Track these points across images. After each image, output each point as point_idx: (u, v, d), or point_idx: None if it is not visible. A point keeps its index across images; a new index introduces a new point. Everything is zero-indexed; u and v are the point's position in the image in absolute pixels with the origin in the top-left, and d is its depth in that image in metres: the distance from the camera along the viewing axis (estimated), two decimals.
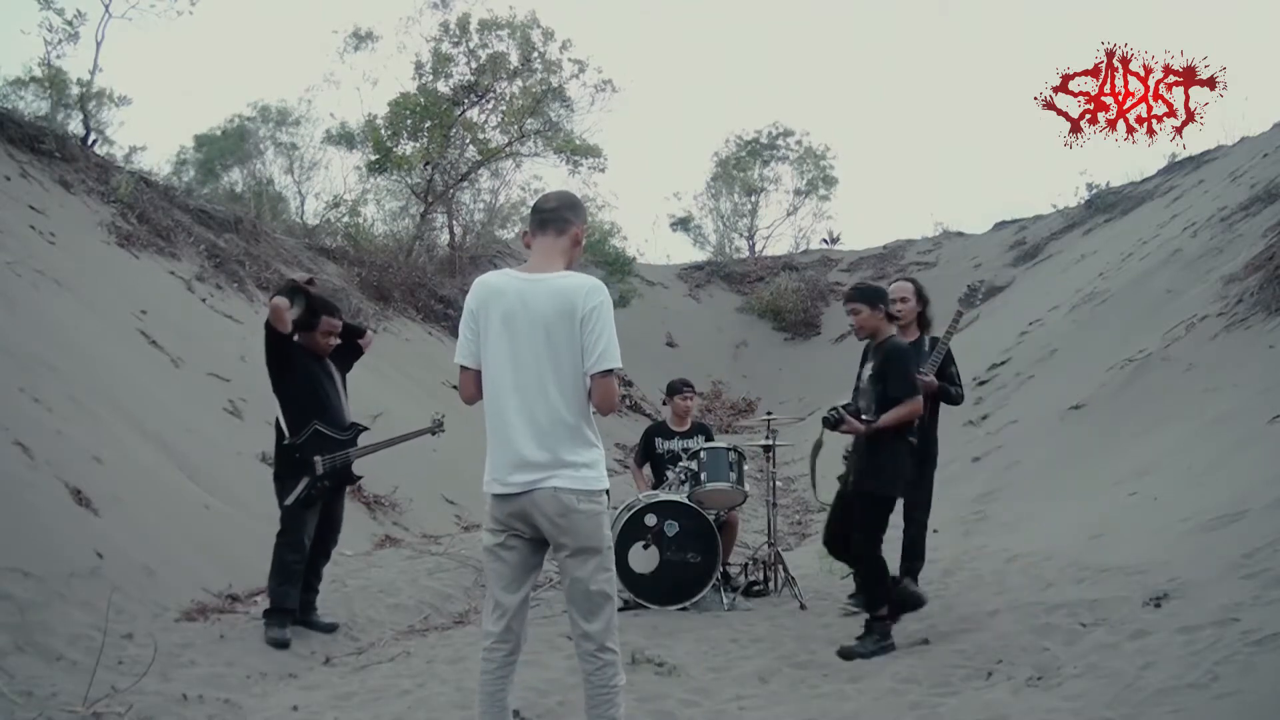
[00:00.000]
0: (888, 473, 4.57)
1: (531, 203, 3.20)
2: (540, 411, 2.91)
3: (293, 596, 4.88)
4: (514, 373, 2.93)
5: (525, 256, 3.11)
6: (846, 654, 4.51)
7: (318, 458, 4.90)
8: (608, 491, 3.03)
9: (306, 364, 5.02)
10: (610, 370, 2.92)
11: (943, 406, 5.25)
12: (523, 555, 3.00)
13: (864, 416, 4.61)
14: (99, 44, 16.14)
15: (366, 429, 5.26)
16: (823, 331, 24.13)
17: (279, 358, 4.94)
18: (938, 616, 4.87)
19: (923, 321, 5.31)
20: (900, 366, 4.59)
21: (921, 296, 5.31)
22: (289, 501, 4.88)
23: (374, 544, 7.58)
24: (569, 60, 20.40)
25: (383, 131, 19.35)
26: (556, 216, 3.05)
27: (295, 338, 4.99)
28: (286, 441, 4.91)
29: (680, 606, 5.58)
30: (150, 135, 61.62)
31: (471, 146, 20.20)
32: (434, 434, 5.65)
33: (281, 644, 4.76)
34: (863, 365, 4.86)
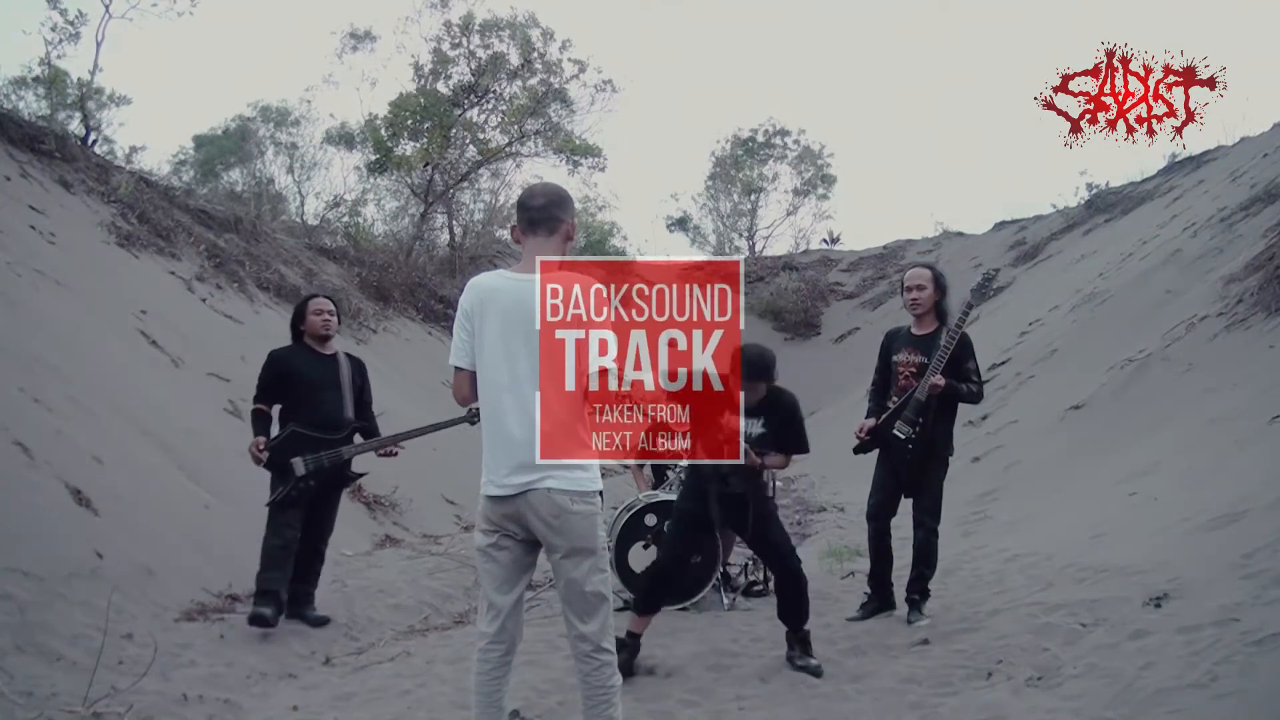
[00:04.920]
0: None
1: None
2: (536, 412, 2.90)
3: (275, 580, 4.92)
4: (510, 373, 2.93)
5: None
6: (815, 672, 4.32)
7: (296, 459, 5.00)
8: (601, 493, 3.03)
9: (302, 366, 5.10)
10: (607, 369, 2.91)
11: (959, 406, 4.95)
12: (515, 556, 3.00)
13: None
14: (99, 44, 16.21)
15: (361, 426, 5.28)
16: (823, 331, 24.19)
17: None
18: (938, 616, 4.86)
19: (940, 312, 4.96)
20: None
21: (940, 285, 4.97)
22: (268, 502, 5.06)
23: (374, 544, 7.58)
24: (569, 60, 20.46)
25: (383, 131, 19.38)
26: (546, 215, 3.02)
27: (304, 337, 5.23)
28: (268, 441, 5.05)
29: (680, 606, 5.57)
30: (150, 135, 61.82)
31: (471, 147, 20.23)
32: (472, 423, 5.26)
33: (261, 620, 4.77)
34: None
